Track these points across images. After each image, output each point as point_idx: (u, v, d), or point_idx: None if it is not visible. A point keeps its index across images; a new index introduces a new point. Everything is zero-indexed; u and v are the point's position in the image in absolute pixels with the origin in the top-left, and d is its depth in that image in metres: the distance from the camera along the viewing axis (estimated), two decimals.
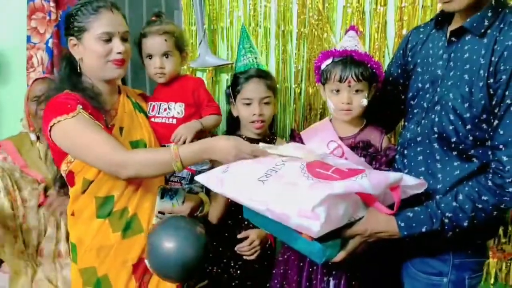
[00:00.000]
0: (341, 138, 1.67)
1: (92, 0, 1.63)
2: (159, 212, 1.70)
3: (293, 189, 1.32)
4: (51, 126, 1.54)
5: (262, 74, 1.91)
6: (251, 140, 1.84)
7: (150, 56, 1.83)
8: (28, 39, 2.66)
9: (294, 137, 1.76)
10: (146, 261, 1.65)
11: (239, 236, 1.87)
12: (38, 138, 2.19)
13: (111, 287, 1.65)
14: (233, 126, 2.01)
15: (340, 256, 1.43)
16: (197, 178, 1.55)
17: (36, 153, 2.17)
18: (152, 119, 1.82)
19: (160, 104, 1.84)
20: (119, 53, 1.61)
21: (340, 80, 1.60)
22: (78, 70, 1.65)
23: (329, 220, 1.27)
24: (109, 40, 1.61)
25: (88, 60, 1.63)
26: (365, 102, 1.62)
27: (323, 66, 1.65)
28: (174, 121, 1.81)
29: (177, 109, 1.82)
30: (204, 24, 2.40)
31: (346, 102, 1.61)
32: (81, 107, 1.55)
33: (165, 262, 1.58)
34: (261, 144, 1.56)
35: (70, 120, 1.52)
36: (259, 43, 2.42)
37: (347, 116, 1.64)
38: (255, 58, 1.94)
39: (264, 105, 1.89)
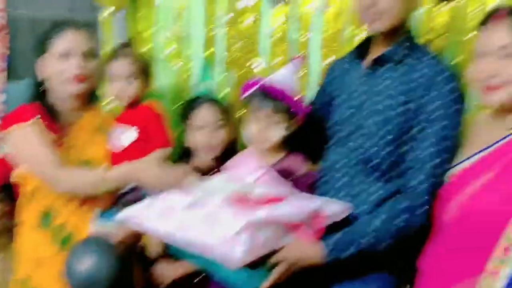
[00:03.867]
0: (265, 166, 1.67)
1: (59, 22, 1.80)
2: (94, 232, 1.71)
3: (216, 219, 1.34)
4: (6, 133, 1.69)
5: (213, 100, 1.95)
6: (200, 170, 1.83)
7: (114, 79, 1.90)
8: None
9: (219, 166, 1.77)
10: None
11: None
12: None
13: None
14: (187, 155, 1.96)
15: (265, 284, 1.42)
16: (119, 215, 1.54)
17: None
18: (112, 142, 1.87)
19: (118, 127, 1.89)
20: (76, 69, 1.71)
21: (254, 112, 1.67)
22: (44, 88, 1.77)
23: (252, 248, 1.28)
24: (68, 57, 1.72)
25: (52, 77, 1.74)
26: (277, 134, 1.67)
27: (246, 95, 1.70)
28: (125, 146, 1.85)
29: (129, 134, 1.86)
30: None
31: (259, 133, 1.68)
32: (37, 118, 1.68)
33: (72, 280, 1.60)
34: (189, 182, 1.56)
35: (23, 130, 1.67)
36: (183, 67, 2.35)
37: (262, 145, 1.70)
38: (208, 87, 2.05)
39: (217, 129, 1.89)
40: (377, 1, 1.47)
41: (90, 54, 1.77)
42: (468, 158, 1.41)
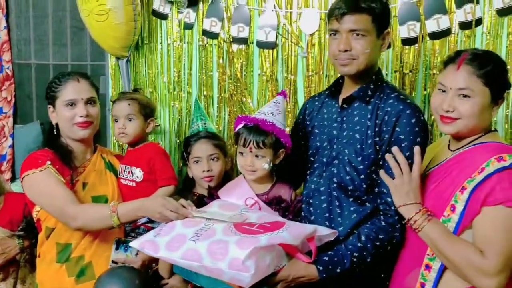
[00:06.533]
0: (256, 195, 1.82)
1: (63, 73, 1.93)
2: (113, 262, 1.86)
3: (224, 245, 1.47)
4: (22, 178, 1.81)
5: (209, 135, 2.10)
6: (203, 197, 1.97)
7: (116, 119, 2.07)
8: None
9: (213, 195, 1.89)
10: None
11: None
12: None
13: None
14: (189, 185, 2.13)
15: None
16: (132, 244, 1.63)
17: None
18: (121, 180, 2.05)
19: (125, 167, 2.06)
20: (82, 116, 1.84)
21: (244, 145, 1.79)
22: (55, 133, 1.90)
23: (258, 271, 1.43)
24: (73, 105, 1.84)
25: (60, 123, 1.89)
26: (266, 166, 1.78)
27: (237, 129, 1.84)
28: (134, 184, 2.03)
29: (136, 173, 2.02)
30: (131, 89, 2.54)
31: (248, 165, 1.79)
32: (49, 162, 1.79)
33: None
34: (190, 211, 1.65)
35: (38, 173, 1.77)
36: (183, 106, 2.62)
37: (252, 176, 1.81)
38: (204, 123, 2.16)
39: (212, 161, 2.04)
40: (351, 48, 1.63)
41: (92, 100, 1.89)
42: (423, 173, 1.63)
